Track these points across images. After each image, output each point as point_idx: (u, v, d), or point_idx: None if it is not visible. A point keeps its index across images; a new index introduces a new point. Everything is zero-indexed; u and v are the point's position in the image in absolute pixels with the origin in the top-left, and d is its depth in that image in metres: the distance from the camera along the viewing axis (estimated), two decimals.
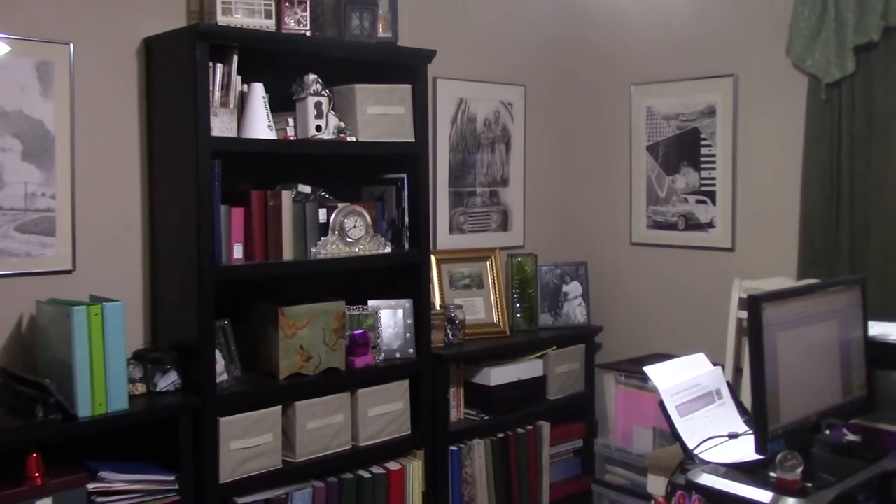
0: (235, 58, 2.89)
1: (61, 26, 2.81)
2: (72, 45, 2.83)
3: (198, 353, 2.78)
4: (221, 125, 2.84)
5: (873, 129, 3.26)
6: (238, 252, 2.90)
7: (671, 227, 3.99)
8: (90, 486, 2.53)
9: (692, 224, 3.91)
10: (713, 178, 3.82)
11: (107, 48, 2.91)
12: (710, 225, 3.84)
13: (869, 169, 3.28)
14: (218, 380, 2.83)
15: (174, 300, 2.93)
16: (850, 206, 3.32)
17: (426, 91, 3.38)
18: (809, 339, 2.07)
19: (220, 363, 2.87)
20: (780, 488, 1.89)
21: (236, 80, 2.91)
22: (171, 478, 2.68)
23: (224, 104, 2.87)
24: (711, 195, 3.83)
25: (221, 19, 2.86)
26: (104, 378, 2.57)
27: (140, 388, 2.76)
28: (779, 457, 1.90)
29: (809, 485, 1.90)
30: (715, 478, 1.98)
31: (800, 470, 1.89)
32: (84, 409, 2.53)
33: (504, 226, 4.16)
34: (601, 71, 4.24)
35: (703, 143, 3.85)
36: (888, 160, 3.22)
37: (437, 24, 3.82)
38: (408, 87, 3.29)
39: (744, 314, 3.38)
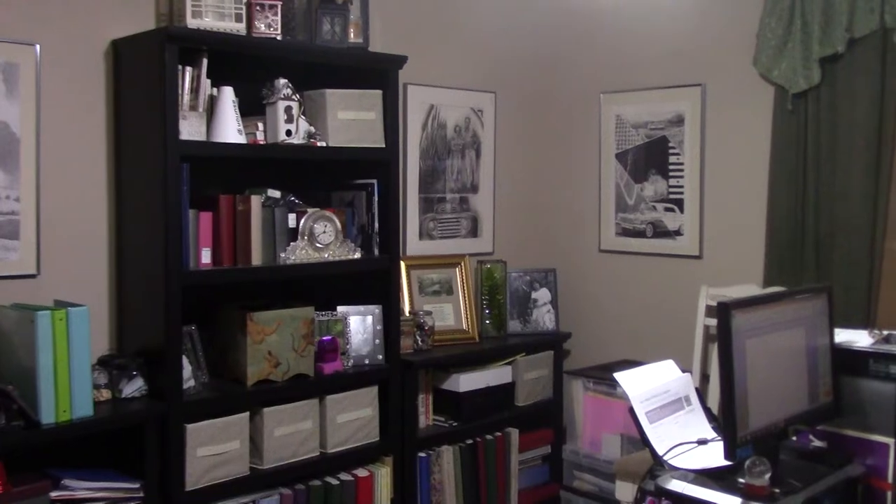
0: (205, 61, 2.86)
1: (27, 27, 2.77)
2: (38, 47, 2.79)
3: (164, 358, 2.75)
4: (190, 129, 2.82)
5: (838, 139, 3.31)
6: (206, 257, 2.88)
7: (639, 234, 4.02)
8: (53, 494, 2.49)
9: (660, 232, 3.94)
10: (681, 187, 3.85)
11: (74, 50, 2.88)
12: (677, 233, 3.88)
13: (833, 179, 3.33)
14: (185, 386, 2.80)
15: (140, 305, 2.89)
16: (816, 216, 3.37)
17: (397, 97, 3.37)
18: (777, 346, 2.09)
19: (187, 369, 2.84)
20: (749, 494, 1.90)
21: (206, 83, 2.88)
22: (137, 485, 2.65)
23: (193, 108, 2.85)
24: (679, 203, 3.86)
25: (191, 22, 2.83)
26: (68, 384, 2.53)
27: (105, 395, 2.72)
28: (747, 463, 1.92)
29: (777, 490, 1.92)
30: (684, 484, 1.99)
31: (768, 476, 1.90)
32: (48, 416, 2.49)
33: (474, 232, 4.16)
34: (571, 79, 4.27)
35: (671, 151, 3.88)
36: (852, 170, 3.27)
37: (409, 30, 3.82)
38: (378, 92, 3.28)
39: (711, 321, 3.42)
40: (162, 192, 2.73)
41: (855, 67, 3.26)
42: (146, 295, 2.85)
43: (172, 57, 2.72)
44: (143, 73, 2.83)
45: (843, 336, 2.31)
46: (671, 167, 3.89)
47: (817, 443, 2.27)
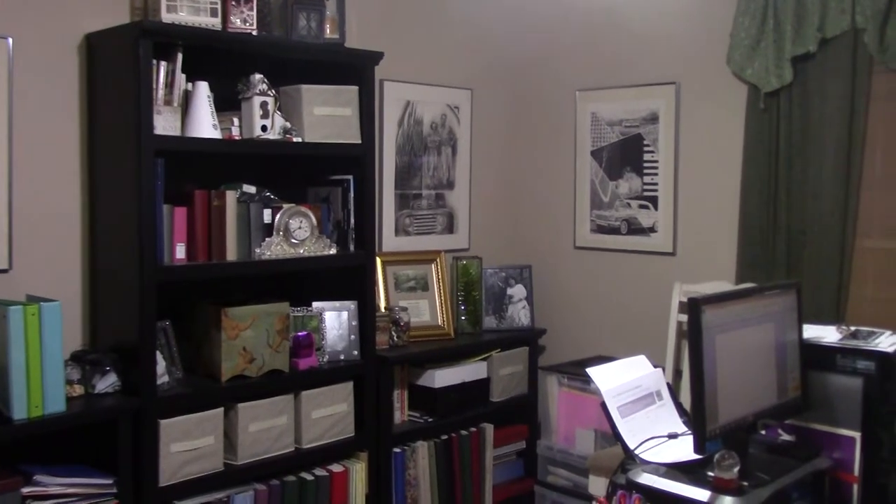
0: (180, 56, 2.85)
1: (0, 21, 2.75)
2: (10, 40, 2.76)
3: (138, 354, 2.74)
4: (165, 124, 2.81)
5: (809, 138, 3.35)
6: (181, 252, 2.87)
7: (614, 231, 4.04)
8: (25, 490, 2.47)
9: (634, 228, 3.97)
10: (655, 184, 3.88)
11: (47, 44, 2.85)
12: (651, 230, 3.91)
13: (805, 177, 3.37)
14: (158, 381, 2.79)
15: (114, 300, 2.88)
16: (787, 213, 3.41)
17: (373, 93, 3.38)
18: (747, 342, 2.11)
19: (161, 364, 2.83)
20: (718, 487, 1.92)
21: (180, 78, 2.87)
22: (110, 481, 2.63)
23: (168, 102, 2.83)
24: (653, 200, 3.89)
25: (166, 16, 2.82)
26: (41, 380, 2.51)
27: (78, 390, 2.71)
28: (716, 456, 1.94)
29: (746, 483, 1.94)
30: (655, 477, 2.01)
31: (736, 469, 1.93)
32: (20, 412, 2.47)
33: (449, 228, 4.18)
34: (547, 76, 4.29)
35: (645, 149, 3.91)
36: (823, 169, 3.31)
37: (385, 26, 3.82)
38: (354, 88, 3.28)
39: (684, 317, 3.45)
40: (136, 186, 2.71)
41: (826, 67, 3.30)
42: (120, 290, 2.83)
43: (147, 51, 2.71)
44: (117, 67, 2.82)
45: (811, 332, 2.34)
46: (645, 164, 3.91)
47: (785, 437, 2.29)
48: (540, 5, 4.27)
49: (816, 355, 2.25)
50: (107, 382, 2.76)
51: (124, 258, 2.78)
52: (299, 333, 3.16)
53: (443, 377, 3.63)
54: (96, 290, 2.96)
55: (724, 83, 3.60)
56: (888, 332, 2.31)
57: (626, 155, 3.99)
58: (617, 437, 2.19)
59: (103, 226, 2.92)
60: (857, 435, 2.16)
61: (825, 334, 2.33)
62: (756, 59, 3.43)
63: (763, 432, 2.26)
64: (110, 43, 2.86)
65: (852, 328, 2.35)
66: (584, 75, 4.13)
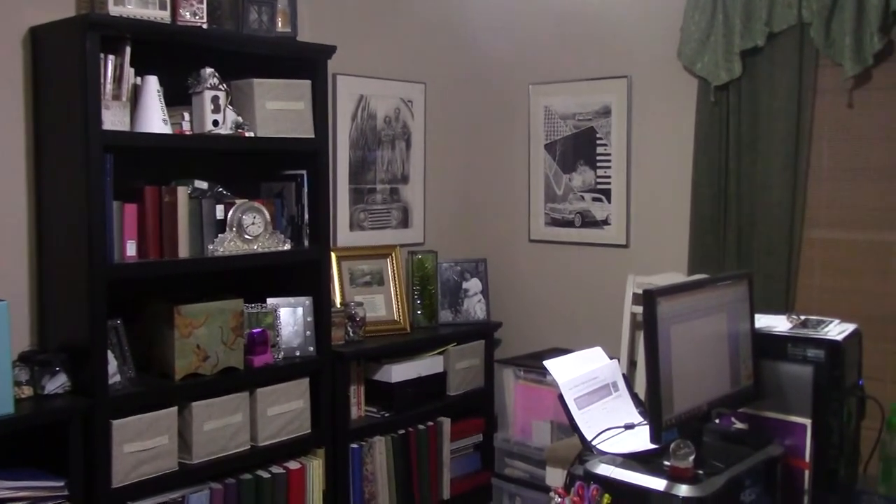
0: (128, 49, 2.80)
1: None
2: None
3: (89, 353, 2.69)
4: (114, 119, 2.76)
5: (758, 130, 3.40)
6: (131, 249, 2.82)
7: (568, 224, 4.07)
8: None
9: (588, 221, 4.00)
10: (608, 177, 3.91)
11: None
12: (605, 222, 3.94)
13: (754, 169, 3.42)
14: (110, 381, 2.75)
15: (63, 299, 2.82)
16: (737, 205, 3.46)
17: (326, 87, 3.35)
18: (701, 332, 2.14)
19: (113, 364, 2.79)
20: (674, 476, 1.94)
21: (129, 72, 2.82)
22: (61, 483, 2.59)
23: (116, 97, 2.78)
24: (607, 193, 3.92)
25: (113, 9, 2.77)
26: None
27: (27, 392, 2.65)
28: (672, 446, 1.96)
29: (701, 472, 1.96)
30: (612, 467, 2.02)
31: (692, 458, 1.94)
32: None
33: (404, 223, 4.16)
34: (500, 70, 4.29)
35: (598, 142, 3.94)
36: (772, 161, 3.37)
37: (337, 20, 3.79)
38: (307, 82, 3.25)
39: (637, 308, 3.48)
40: (85, 183, 2.66)
41: (774, 61, 3.35)
42: (69, 289, 2.78)
43: (94, 45, 2.66)
44: (63, 61, 2.76)
45: (762, 321, 2.37)
46: (599, 158, 3.94)
47: (739, 425, 2.32)
48: None
49: (768, 344, 2.28)
50: (56, 383, 2.71)
51: (73, 256, 2.73)
52: (254, 330, 3.13)
53: (399, 372, 3.62)
54: (44, 289, 2.90)
55: (675, 77, 3.64)
56: (836, 321, 2.35)
57: (579, 148, 4.01)
58: (574, 428, 2.20)
59: (51, 223, 2.86)
60: (807, 422, 2.19)
61: (776, 324, 2.36)
62: (706, 53, 3.47)
63: (717, 421, 2.28)
64: (56, 36, 2.80)
65: (802, 317, 2.39)
66: (537, 69, 4.14)
